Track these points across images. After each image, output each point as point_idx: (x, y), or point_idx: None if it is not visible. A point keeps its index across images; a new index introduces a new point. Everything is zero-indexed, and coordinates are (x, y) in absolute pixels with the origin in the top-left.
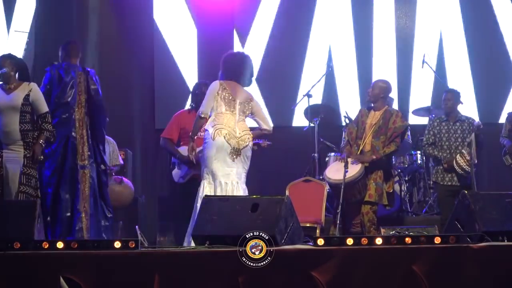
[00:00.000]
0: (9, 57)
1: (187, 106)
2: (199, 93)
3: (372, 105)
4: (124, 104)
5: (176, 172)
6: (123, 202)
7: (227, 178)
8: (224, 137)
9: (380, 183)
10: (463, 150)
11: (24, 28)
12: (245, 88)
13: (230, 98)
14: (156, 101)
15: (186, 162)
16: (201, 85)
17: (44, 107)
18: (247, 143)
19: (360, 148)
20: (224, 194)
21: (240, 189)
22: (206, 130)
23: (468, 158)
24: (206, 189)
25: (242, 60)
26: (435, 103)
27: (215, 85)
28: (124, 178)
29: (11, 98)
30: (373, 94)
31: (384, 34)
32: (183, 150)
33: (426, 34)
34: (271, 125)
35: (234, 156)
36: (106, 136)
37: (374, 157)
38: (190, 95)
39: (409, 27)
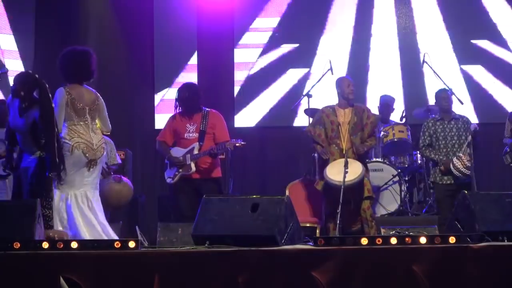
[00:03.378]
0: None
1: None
2: (184, 96)
3: (338, 103)
4: (124, 104)
5: (167, 172)
6: (122, 201)
7: (81, 188)
8: (82, 151)
9: (368, 177)
10: (460, 153)
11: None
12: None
13: (79, 106)
14: (156, 102)
15: (175, 163)
16: (186, 87)
17: None
18: (103, 152)
19: (343, 146)
20: (76, 205)
21: (93, 201)
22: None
23: (465, 160)
24: (56, 198)
25: (79, 56)
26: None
27: (61, 93)
28: (123, 177)
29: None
30: (352, 91)
31: (384, 33)
32: (174, 150)
33: (427, 34)
34: (110, 127)
35: (91, 166)
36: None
37: (366, 147)
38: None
39: (410, 26)
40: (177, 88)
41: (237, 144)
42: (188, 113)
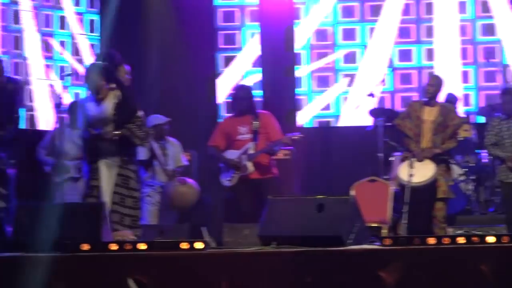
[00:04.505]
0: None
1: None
2: (237, 97)
3: (426, 100)
4: (188, 105)
5: (223, 176)
6: (188, 203)
7: None
8: None
9: (447, 178)
10: None
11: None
12: None
13: None
14: (220, 102)
15: (231, 165)
16: (240, 89)
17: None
18: None
19: (422, 145)
20: None
21: None
22: None
23: None
24: None
25: None
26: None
27: None
28: (188, 179)
29: (102, 109)
30: (430, 89)
31: (446, 29)
32: (228, 153)
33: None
34: None
35: None
36: (170, 138)
37: (438, 150)
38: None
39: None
40: (232, 89)
41: (293, 137)
42: (240, 115)
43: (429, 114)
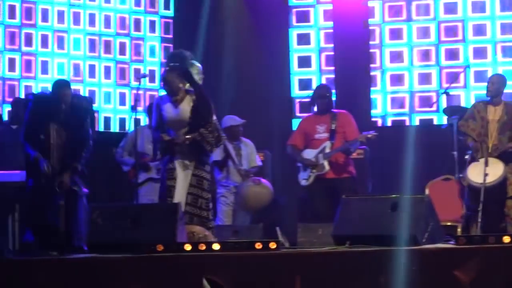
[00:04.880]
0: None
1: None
2: (319, 96)
3: (490, 99)
4: (262, 107)
5: (300, 175)
6: (262, 203)
7: None
8: None
9: None
10: None
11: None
12: None
13: None
14: (294, 102)
15: (307, 164)
16: (322, 88)
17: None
18: None
19: (490, 145)
20: None
21: None
22: None
23: None
24: None
25: None
26: None
27: None
28: (262, 179)
29: (179, 112)
30: (493, 88)
31: None
32: (305, 153)
33: None
34: None
35: None
36: (244, 138)
37: (507, 149)
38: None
39: None
40: (314, 88)
41: (368, 136)
42: (319, 114)
43: (494, 114)
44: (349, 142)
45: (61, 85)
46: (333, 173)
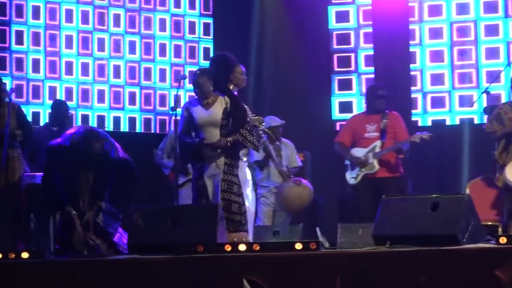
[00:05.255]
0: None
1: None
2: (372, 95)
3: None
4: (302, 107)
5: (348, 174)
6: (302, 203)
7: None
8: None
9: None
10: None
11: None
12: None
13: None
14: (333, 102)
15: (357, 162)
16: (377, 87)
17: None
18: None
19: None
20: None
21: None
22: None
23: None
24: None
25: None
26: None
27: None
28: (302, 180)
29: (211, 113)
30: None
31: None
32: (354, 151)
33: None
34: None
35: None
36: (284, 139)
37: None
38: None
39: None
40: (368, 86)
41: (423, 136)
42: (369, 113)
43: None
44: (401, 142)
45: (90, 139)
46: (383, 172)
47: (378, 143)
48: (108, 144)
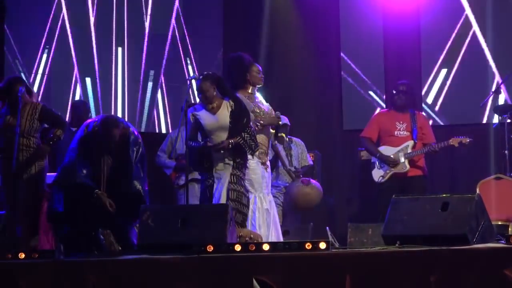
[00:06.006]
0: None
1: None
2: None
3: None
4: (312, 107)
5: (376, 172)
6: (311, 204)
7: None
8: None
9: None
10: None
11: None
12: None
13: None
14: (344, 103)
15: (386, 161)
16: (406, 85)
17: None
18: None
19: None
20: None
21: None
22: None
23: None
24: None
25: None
26: None
27: None
28: (311, 180)
29: (218, 119)
30: None
31: None
32: (383, 149)
33: None
34: None
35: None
36: (295, 138)
37: None
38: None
39: None
40: (397, 83)
41: (463, 141)
42: (397, 111)
43: None
44: (438, 144)
45: (109, 126)
46: (412, 172)
47: (410, 143)
48: (129, 133)
